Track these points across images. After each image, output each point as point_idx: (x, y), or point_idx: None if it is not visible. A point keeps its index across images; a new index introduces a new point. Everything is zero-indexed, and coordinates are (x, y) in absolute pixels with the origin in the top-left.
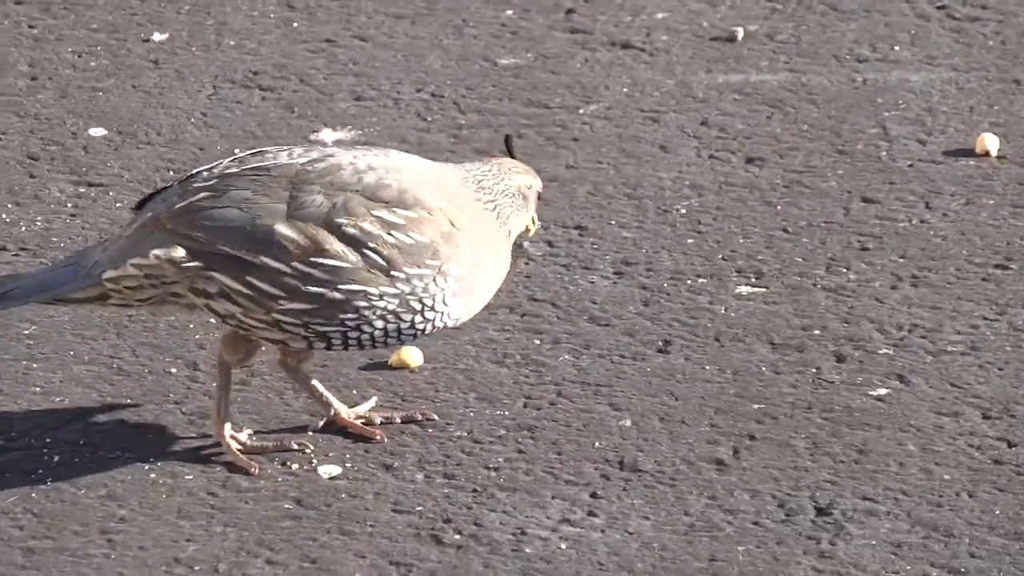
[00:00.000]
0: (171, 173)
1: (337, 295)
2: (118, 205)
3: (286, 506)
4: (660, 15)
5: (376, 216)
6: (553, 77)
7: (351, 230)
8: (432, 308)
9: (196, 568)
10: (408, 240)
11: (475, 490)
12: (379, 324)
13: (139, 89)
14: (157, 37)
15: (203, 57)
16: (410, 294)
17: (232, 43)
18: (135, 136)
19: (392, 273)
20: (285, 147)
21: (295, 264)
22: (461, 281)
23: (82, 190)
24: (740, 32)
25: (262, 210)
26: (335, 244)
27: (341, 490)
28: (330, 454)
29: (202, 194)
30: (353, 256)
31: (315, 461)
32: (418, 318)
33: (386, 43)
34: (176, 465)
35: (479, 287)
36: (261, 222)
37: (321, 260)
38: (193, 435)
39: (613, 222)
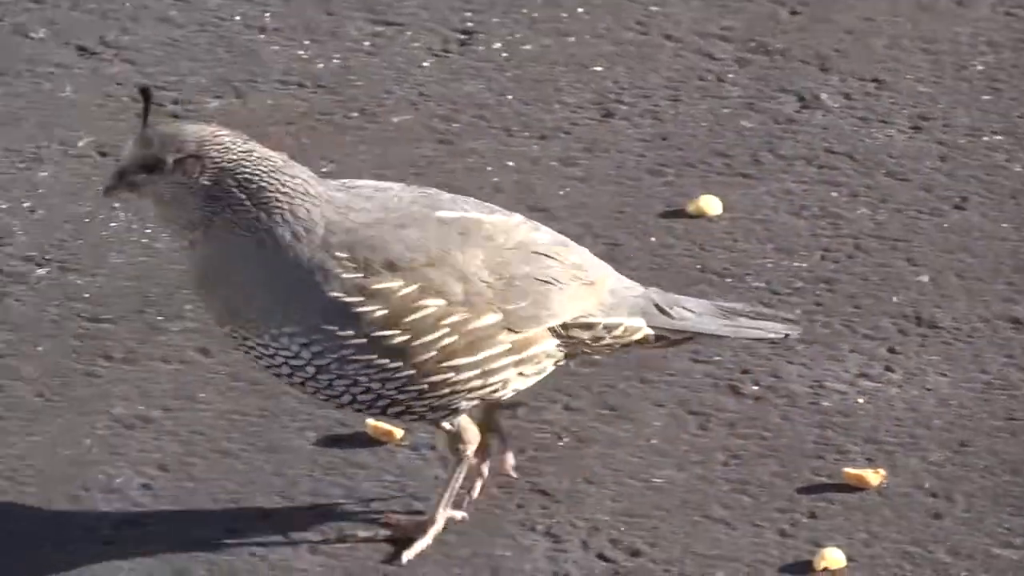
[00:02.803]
0: (467, 15)
1: None
2: (415, 45)
3: None
4: None
5: None
6: None
7: None
8: None
9: None
10: None
11: (773, 342)
12: None
13: None
14: None
15: None
16: None
17: None
18: None
19: None
20: None
21: None
22: None
23: (379, 29)
24: None
25: None
26: None
27: None
28: None
29: None
30: None
31: None
32: None
33: None
34: None
35: None
36: None
37: None
38: None
39: (910, 76)
